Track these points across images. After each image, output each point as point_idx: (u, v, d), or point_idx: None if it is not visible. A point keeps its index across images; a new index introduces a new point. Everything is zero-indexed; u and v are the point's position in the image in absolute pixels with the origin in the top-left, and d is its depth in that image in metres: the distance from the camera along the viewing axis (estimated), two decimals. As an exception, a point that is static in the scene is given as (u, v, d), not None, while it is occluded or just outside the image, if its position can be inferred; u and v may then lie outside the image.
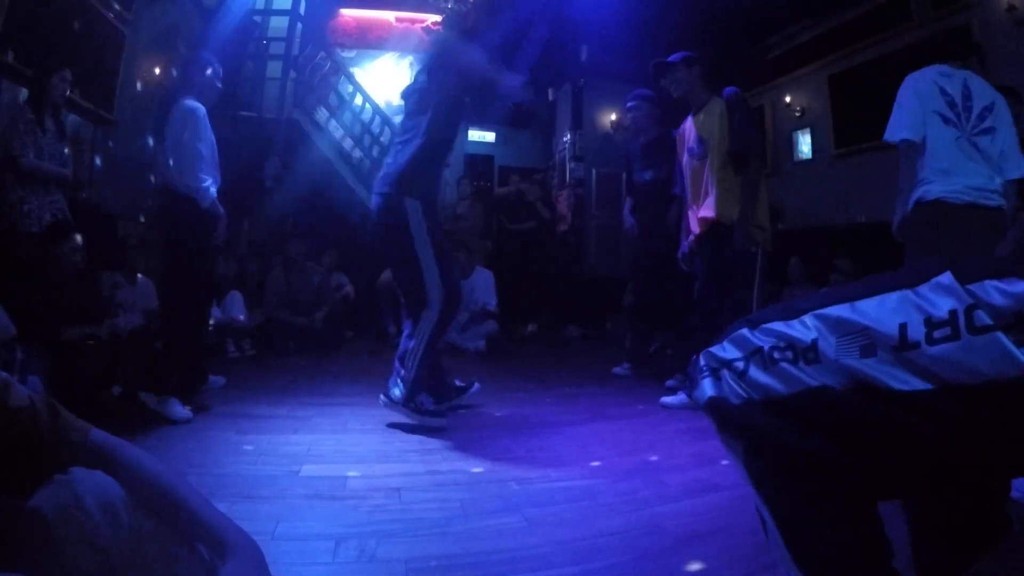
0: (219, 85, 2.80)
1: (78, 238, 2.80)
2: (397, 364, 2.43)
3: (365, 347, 5.01)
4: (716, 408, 0.78)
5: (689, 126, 2.91)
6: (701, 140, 2.81)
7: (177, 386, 2.48)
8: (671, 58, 2.85)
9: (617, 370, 3.73)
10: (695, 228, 2.88)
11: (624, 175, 5.94)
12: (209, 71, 2.72)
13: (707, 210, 2.77)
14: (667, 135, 3.59)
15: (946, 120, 2.24)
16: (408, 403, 2.34)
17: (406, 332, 2.45)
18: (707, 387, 0.80)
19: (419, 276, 2.34)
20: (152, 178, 2.88)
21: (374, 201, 2.45)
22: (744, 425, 0.76)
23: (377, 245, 2.66)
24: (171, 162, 2.54)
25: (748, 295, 2.69)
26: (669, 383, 3.22)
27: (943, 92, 2.26)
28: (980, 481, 0.74)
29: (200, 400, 2.70)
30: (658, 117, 3.61)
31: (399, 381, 2.38)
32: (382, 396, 2.43)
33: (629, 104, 3.66)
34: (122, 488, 0.78)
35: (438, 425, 2.36)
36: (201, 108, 2.58)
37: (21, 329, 2.32)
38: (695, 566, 1.30)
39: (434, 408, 2.40)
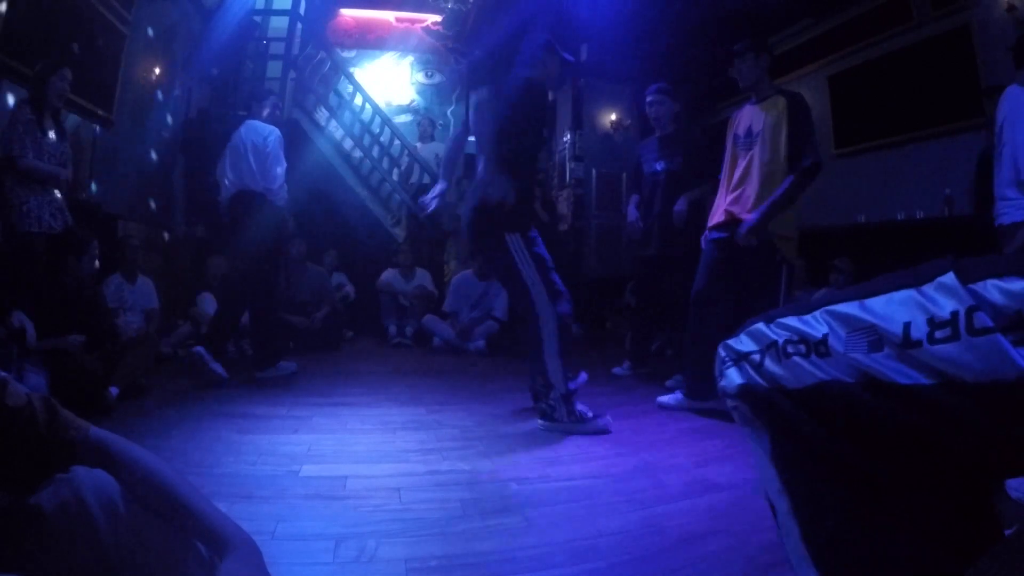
0: (279, 114, 3.56)
1: (95, 245, 2.83)
2: (541, 388, 2.47)
3: (365, 347, 5.02)
4: (748, 394, 0.81)
5: (747, 114, 2.80)
6: (751, 131, 2.72)
7: (274, 354, 3.37)
8: (738, 46, 2.76)
9: (617, 370, 3.71)
10: (720, 216, 2.80)
11: (625, 174, 5.91)
12: (271, 108, 3.56)
13: (738, 205, 2.70)
14: (683, 130, 3.57)
15: (994, 148, 2.53)
16: (571, 417, 2.40)
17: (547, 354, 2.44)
18: (735, 375, 0.83)
19: (528, 296, 2.44)
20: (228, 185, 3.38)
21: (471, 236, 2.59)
22: (771, 410, 0.79)
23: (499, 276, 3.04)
24: (254, 169, 3.34)
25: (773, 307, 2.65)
26: (669, 383, 3.22)
27: (995, 122, 2.50)
28: (975, 478, 0.75)
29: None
30: (678, 112, 3.57)
31: (551, 404, 2.42)
32: (540, 422, 2.45)
33: (650, 98, 3.58)
34: (122, 486, 0.78)
35: (604, 428, 2.40)
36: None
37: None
38: (695, 566, 1.30)
39: (593, 415, 2.44)
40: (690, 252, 3.36)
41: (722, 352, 0.88)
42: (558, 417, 2.41)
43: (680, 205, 3.37)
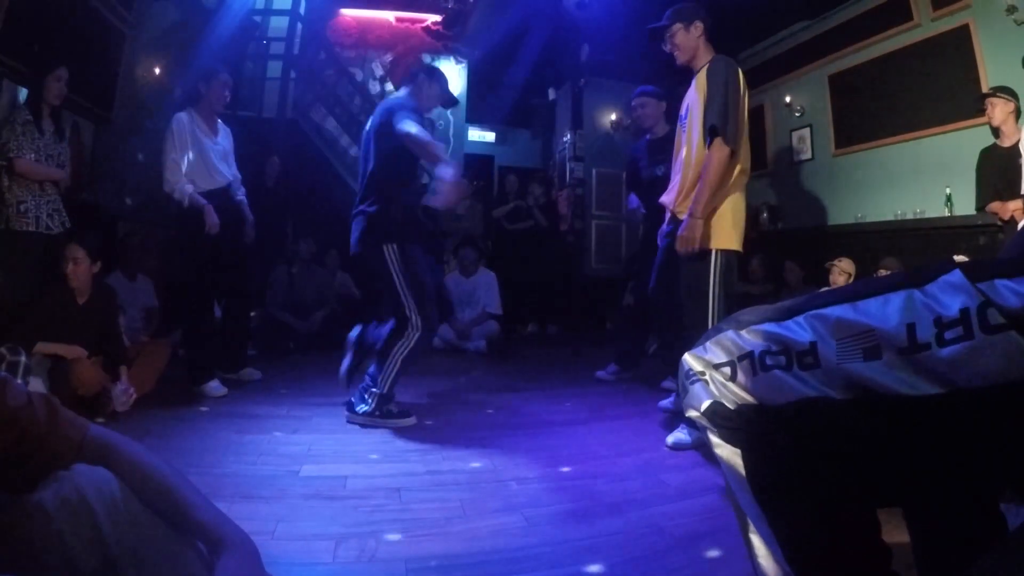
0: (227, 94, 3.12)
1: (74, 248, 2.69)
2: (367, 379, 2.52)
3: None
4: (715, 414, 0.74)
5: (689, 92, 2.38)
6: (688, 109, 2.35)
7: (207, 372, 2.91)
8: (665, 19, 2.39)
9: (600, 374, 3.55)
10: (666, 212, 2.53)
11: (624, 175, 5.91)
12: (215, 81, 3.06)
13: (667, 196, 2.45)
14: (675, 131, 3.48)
15: None
16: (375, 413, 2.46)
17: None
18: (701, 392, 0.76)
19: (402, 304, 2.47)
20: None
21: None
22: (744, 430, 0.72)
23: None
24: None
25: (702, 303, 2.17)
26: (666, 383, 3.19)
27: None
28: (985, 486, 0.73)
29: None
30: (665, 112, 3.41)
31: (367, 397, 2.49)
32: (347, 413, 2.53)
33: (634, 102, 3.47)
34: (122, 483, 0.78)
35: (408, 424, 2.47)
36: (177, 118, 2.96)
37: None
38: (695, 566, 1.30)
39: (399, 411, 2.52)
40: (697, 255, 3.32)
41: (685, 364, 0.79)
42: (362, 411, 2.47)
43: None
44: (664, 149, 3.31)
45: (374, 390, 2.45)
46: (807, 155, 5.66)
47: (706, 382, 0.75)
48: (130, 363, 2.72)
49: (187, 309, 3.09)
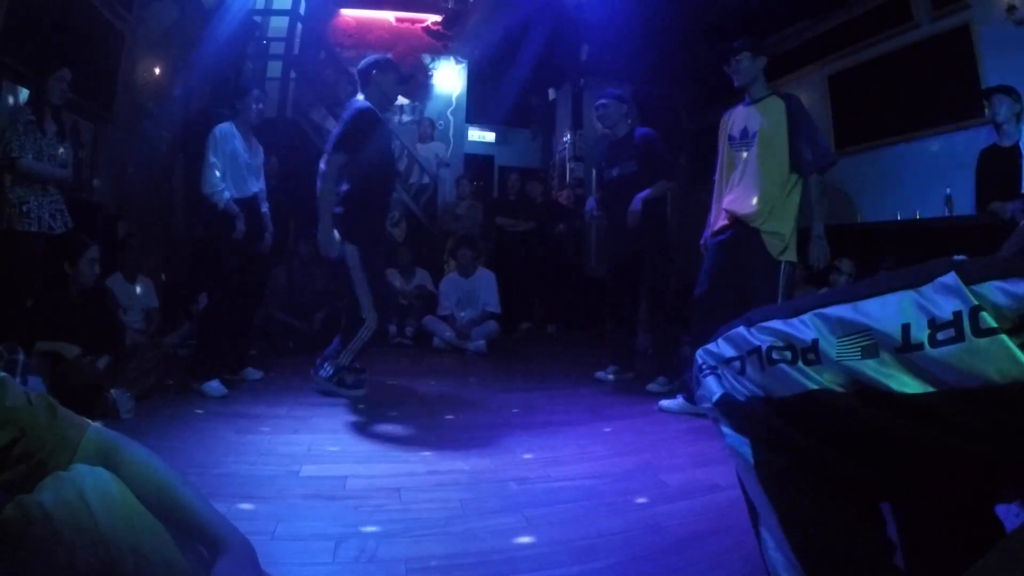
0: (260, 107, 3.26)
1: (93, 249, 2.70)
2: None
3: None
4: (726, 405, 0.77)
5: (739, 113, 2.79)
6: (747, 132, 2.71)
7: (213, 370, 2.95)
8: (736, 44, 2.73)
9: (600, 374, 3.57)
10: (723, 220, 2.76)
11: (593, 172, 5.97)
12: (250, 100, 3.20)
13: (735, 204, 2.69)
14: (633, 132, 3.51)
15: None
16: (332, 378, 2.89)
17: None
18: (713, 385, 0.79)
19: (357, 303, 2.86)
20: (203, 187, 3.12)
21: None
22: (753, 421, 0.75)
23: None
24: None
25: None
26: (651, 387, 3.19)
27: None
28: (979, 486, 0.74)
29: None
30: (627, 114, 3.51)
31: (326, 365, 2.90)
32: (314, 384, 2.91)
33: (598, 103, 3.57)
34: (121, 483, 0.78)
35: (358, 395, 2.87)
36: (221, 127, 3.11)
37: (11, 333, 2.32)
38: (695, 566, 1.30)
39: (354, 381, 2.94)
40: (656, 250, 3.36)
41: (699, 359, 0.83)
42: (322, 378, 2.90)
43: (634, 205, 3.29)
44: (621, 150, 3.49)
45: (332, 364, 2.88)
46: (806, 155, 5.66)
47: (718, 376, 0.79)
48: (129, 363, 2.72)
49: (206, 307, 3.27)
